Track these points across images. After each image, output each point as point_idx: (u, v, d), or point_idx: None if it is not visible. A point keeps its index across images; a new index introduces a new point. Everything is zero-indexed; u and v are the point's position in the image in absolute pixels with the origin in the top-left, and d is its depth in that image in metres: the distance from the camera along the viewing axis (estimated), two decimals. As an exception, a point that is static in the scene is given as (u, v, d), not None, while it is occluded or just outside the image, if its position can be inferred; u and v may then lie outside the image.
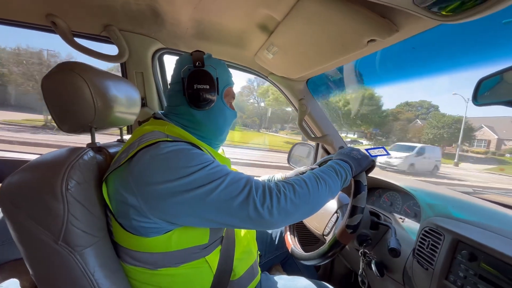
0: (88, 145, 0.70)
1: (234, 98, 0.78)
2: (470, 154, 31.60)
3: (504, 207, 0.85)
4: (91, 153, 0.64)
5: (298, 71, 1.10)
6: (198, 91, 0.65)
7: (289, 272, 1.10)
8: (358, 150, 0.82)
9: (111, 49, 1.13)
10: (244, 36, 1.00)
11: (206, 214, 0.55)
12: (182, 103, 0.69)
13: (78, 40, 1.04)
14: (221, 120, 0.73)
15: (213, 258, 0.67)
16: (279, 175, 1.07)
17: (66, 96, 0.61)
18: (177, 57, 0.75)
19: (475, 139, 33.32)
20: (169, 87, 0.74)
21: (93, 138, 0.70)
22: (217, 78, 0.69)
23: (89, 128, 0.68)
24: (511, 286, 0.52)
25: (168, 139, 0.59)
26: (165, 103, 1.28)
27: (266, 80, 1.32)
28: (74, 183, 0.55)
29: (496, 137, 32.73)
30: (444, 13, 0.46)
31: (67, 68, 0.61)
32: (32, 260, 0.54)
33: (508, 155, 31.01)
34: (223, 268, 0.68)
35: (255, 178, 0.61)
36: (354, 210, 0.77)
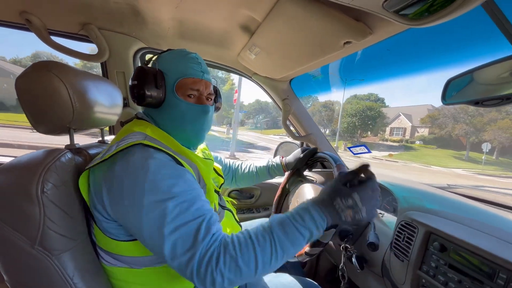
0: (67, 146, 0.68)
1: (198, 89, 0.68)
2: (389, 143, 33.88)
3: (473, 200, 0.90)
4: (69, 155, 0.63)
5: (281, 71, 1.12)
6: (132, 88, 0.65)
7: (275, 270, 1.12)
8: (359, 211, 0.56)
9: (92, 48, 1.10)
10: (227, 36, 1.00)
11: (147, 245, 0.54)
12: None
13: (55, 39, 1.01)
14: (176, 116, 0.67)
15: None
16: (277, 158, 1.10)
17: (42, 96, 0.59)
18: None
19: (394, 127, 35.90)
20: None
21: (71, 139, 0.69)
22: (158, 71, 0.65)
23: (67, 129, 0.66)
24: (477, 274, 0.55)
25: (145, 142, 0.57)
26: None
27: (250, 80, 1.33)
28: (51, 186, 0.54)
29: (410, 124, 34.97)
30: (411, 16, 0.48)
31: (43, 68, 0.59)
32: (7, 265, 0.52)
33: (418, 142, 33.06)
34: None
35: (213, 232, 0.53)
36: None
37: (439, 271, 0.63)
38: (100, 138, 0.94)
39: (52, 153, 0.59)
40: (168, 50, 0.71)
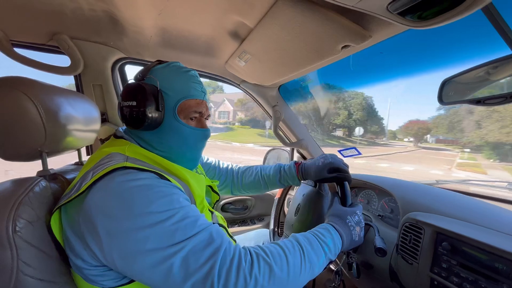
0: (39, 173, 0.60)
1: (201, 112, 0.64)
2: (217, 125, 40.35)
3: (468, 195, 0.92)
4: (43, 183, 0.55)
5: (272, 78, 1.09)
6: (127, 109, 0.56)
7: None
8: (363, 227, 0.69)
9: (63, 60, 1.00)
10: (214, 44, 0.96)
11: (148, 282, 0.45)
12: None
13: (20, 51, 0.90)
14: (175, 140, 0.61)
15: None
16: (291, 165, 0.94)
17: (7, 117, 0.51)
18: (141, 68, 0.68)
19: (221, 111, 43.89)
20: None
21: (45, 164, 0.60)
22: (158, 91, 0.57)
23: (38, 154, 0.58)
24: (492, 271, 0.55)
25: (127, 164, 0.50)
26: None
27: (238, 88, 1.30)
28: (24, 223, 0.46)
29: (232, 108, 42.76)
30: (415, 18, 0.48)
31: (7, 84, 0.51)
32: None
33: (237, 124, 41.12)
34: None
35: (229, 240, 0.49)
36: None
37: (451, 271, 0.63)
38: (77, 160, 0.85)
39: (23, 183, 0.50)
40: (158, 61, 0.64)
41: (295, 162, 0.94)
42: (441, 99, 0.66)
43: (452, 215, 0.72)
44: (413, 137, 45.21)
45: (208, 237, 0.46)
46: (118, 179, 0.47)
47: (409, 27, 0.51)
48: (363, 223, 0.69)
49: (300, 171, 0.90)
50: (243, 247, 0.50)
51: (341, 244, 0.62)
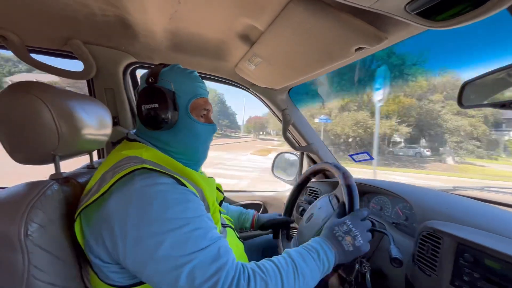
0: (52, 176, 0.60)
1: (208, 109, 0.69)
2: None
3: (488, 203, 0.88)
4: (55, 187, 0.55)
5: (282, 81, 1.09)
6: (149, 111, 0.59)
7: None
8: (356, 235, 0.66)
9: (75, 65, 1.02)
10: (224, 48, 0.96)
11: (155, 283, 0.47)
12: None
13: (36, 56, 0.92)
14: (191, 137, 0.65)
15: None
16: (250, 212, 1.03)
17: (22, 121, 0.52)
18: None
19: None
20: None
21: (57, 168, 0.61)
22: (173, 93, 0.62)
23: (51, 157, 0.58)
24: None
25: (146, 165, 0.52)
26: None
27: (248, 91, 1.29)
28: (36, 227, 0.46)
29: None
30: (436, 19, 0.46)
31: (21, 89, 0.52)
32: None
33: None
34: None
35: (234, 257, 0.52)
36: None
37: (475, 285, 0.59)
38: (89, 163, 0.85)
39: (35, 187, 0.51)
40: (162, 65, 0.66)
41: (256, 211, 1.05)
42: (461, 102, 0.63)
43: (473, 225, 0.68)
44: (254, 130, 55.21)
45: (216, 252, 0.49)
46: (139, 183, 0.49)
47: (427, 28, 0.49)
48: (356, 232, 0.66)
49: (256, 218, 1.01)
50: (242, 264, 0.52)
51: (334, 257, 0.62)
